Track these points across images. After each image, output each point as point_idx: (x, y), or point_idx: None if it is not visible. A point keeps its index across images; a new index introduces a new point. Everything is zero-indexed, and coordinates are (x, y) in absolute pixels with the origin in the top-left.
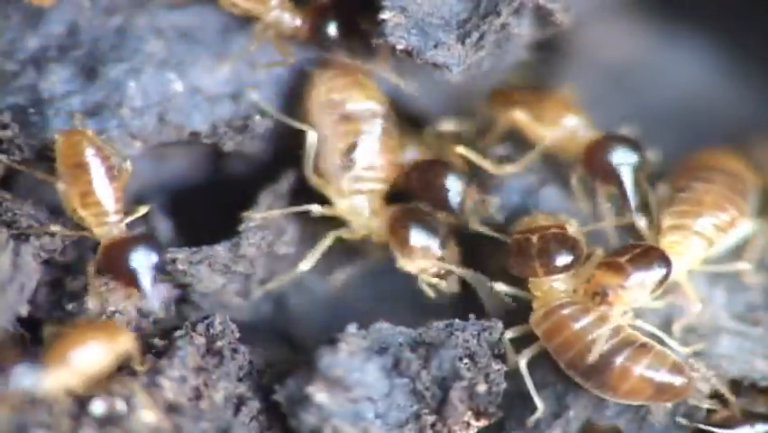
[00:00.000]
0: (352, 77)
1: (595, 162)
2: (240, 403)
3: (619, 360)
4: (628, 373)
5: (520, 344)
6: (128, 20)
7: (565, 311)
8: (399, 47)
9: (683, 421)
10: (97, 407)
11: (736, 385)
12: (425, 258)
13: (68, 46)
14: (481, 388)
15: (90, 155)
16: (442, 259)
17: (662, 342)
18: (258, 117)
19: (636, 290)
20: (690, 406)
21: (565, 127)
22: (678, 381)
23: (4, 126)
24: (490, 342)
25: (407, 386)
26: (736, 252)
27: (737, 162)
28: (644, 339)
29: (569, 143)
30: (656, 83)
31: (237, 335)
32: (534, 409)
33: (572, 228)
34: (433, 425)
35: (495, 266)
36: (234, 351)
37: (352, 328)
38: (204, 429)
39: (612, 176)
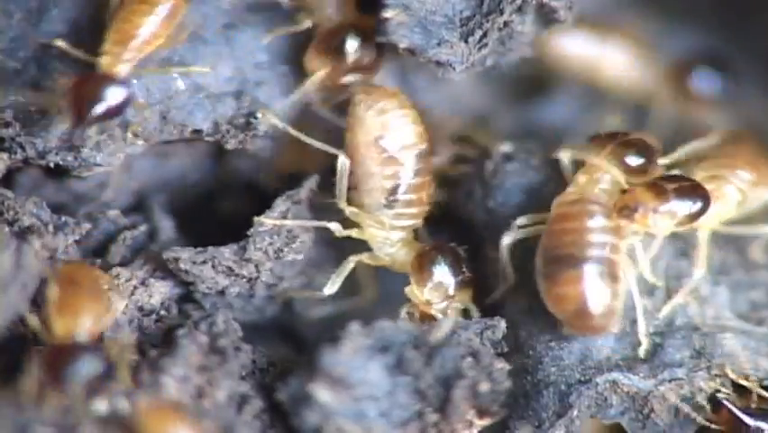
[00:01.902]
0: (400, 111)
1: None
2: (242, 402)
3: (586, 267)
4: (578, 283)
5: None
6: None
7: (591, 206)
8: (402, 45)
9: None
10: (100, 406)
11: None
12: (437, 293)
13: (70, 44)
14: (484, 387)
15: None
16: (452, 298)
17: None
18: (259, 115)
19: (665, 217)
20: (693, 404)
21: None
22: (601, 319)
23: (6, 124)
24: (493, 341)
25: (410, 385)
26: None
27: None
28: (621, 273)
29: None
30: None
31: (240, 333)
32: (534, 408)
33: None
34: (435, 424)
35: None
36: (237, 349)
37: (354, 327)
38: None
39: None
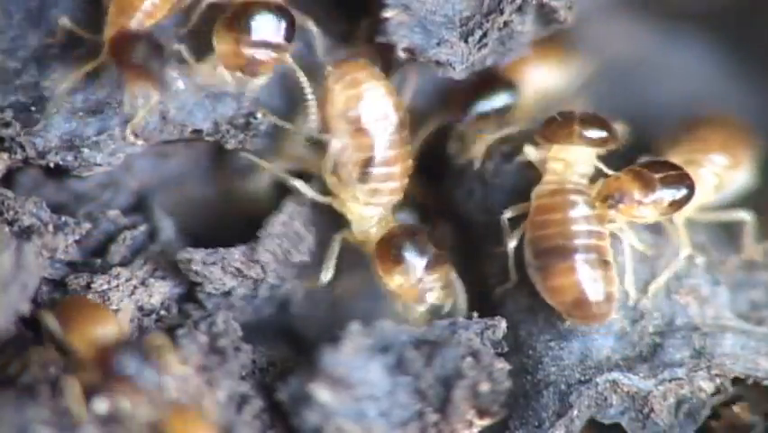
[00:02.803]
0: (370, 82)
1: None
2: (242, 402)
3: (576, 257)
4: (571, 273)
5: None
6: None
7: (572, 196)
8: (402, 45)
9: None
10: (100, 405)
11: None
12: (406, 277)
13: (69, 44)
14: (484, 387)
15: None
16: (422, 280)
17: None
18: (260, 115)
19: (650, 207)
20: (694, 405)
21: None
22: (601, 307)
23: (6, 124)
24: (494, 340)
25: (410, 385)
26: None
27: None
28: (610, 258)
29: None
30: (658, 82)
31: (240, 333)
32: (535, 408)
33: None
34: (436, 424)
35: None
36: (237, 349)
37: (354, 327)
38: None
39: None
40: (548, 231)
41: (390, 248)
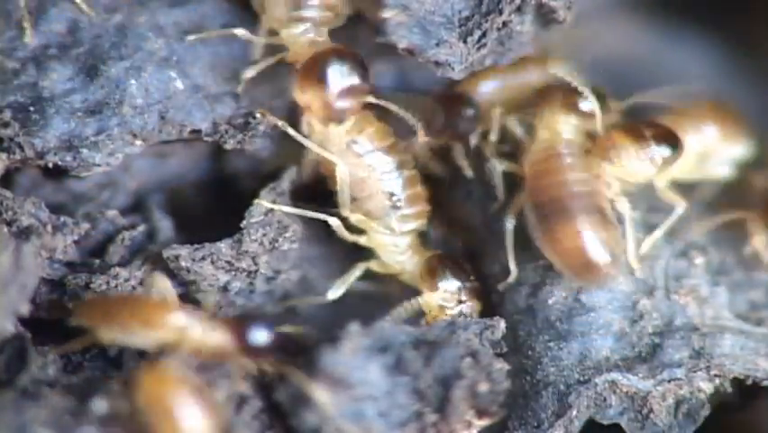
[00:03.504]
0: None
1: None
2: (241, 402)
3: (579, 220)
4: (576, 237)
5: None
6: (129, 18)
7: (566, 159)
8: (401, 45)
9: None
10: (99, 405)
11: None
12: (450, 297)
13: (68, 44)
14: (483, 387)
15: None
16: (463, 303)
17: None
18: (259, 115)
19: (644, 163)
20: (693, 405)
21: None
22: (608, 267)
23: (5, 125)
24: (492, 341)
25: (409, 385)
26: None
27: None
28: (613, 220)
29: None
30: (657, 82)
31: None
32: (534, 408)
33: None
34: (434, 424)
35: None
36: None
37: (354, 327)
38: None
39: None
40: (549, 195)
41: (441, 266)
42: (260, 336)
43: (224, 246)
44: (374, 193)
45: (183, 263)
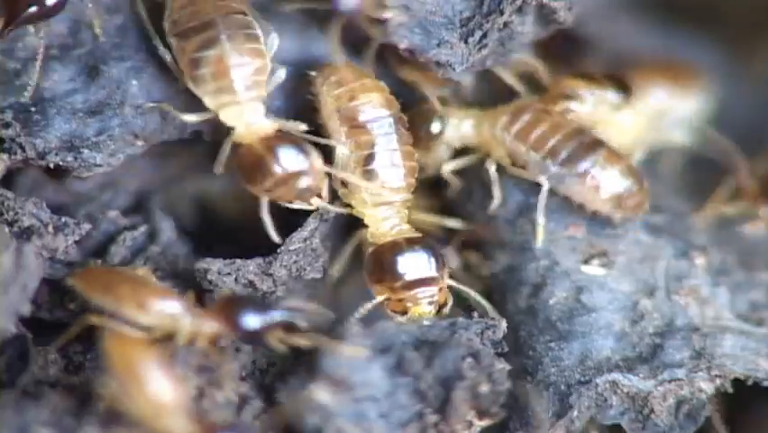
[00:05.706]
0: (359, 82)
1: None
2: (243, 402)
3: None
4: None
5: None
6: (130, 18)
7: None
8: (402, 46)
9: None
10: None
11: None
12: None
13: (70, 44)
14: (484, 387)
15: None
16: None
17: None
18: None
19: (598, 102)
20: (694, 405)
21: None
22: (634, 197)
23: (6, 125)
24: (494, 341)
25: (410, 385)
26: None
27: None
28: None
29: None
30: None
31: None
32: (535, 409)
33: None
34: (435, 424)
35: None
36: (237, 350)
37: (354, 327)
38: None
39: None
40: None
41: (391, 255)
42: (252, 321)
43: (252, 265)
44: (350, 162)
45: (210, 277)
